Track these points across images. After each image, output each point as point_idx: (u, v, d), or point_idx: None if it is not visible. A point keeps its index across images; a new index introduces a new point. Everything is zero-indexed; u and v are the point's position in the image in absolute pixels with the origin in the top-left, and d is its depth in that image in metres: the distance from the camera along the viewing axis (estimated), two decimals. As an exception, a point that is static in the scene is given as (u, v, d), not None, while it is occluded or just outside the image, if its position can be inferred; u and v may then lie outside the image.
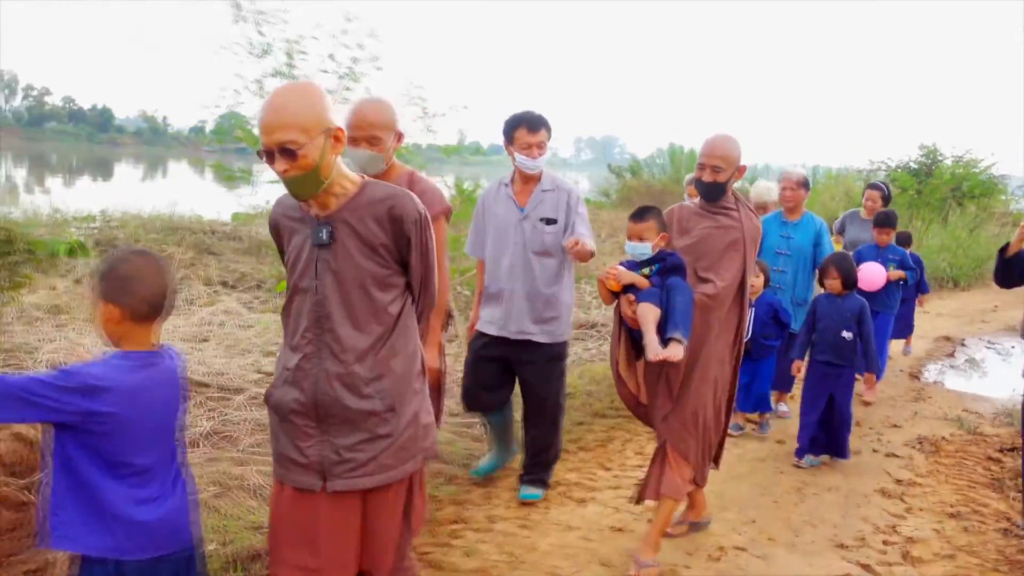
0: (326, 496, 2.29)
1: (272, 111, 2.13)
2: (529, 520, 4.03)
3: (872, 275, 6.14)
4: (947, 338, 9.55)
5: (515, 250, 4.08)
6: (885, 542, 4.04)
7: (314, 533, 2.29)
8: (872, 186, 7.24)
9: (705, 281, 3.58)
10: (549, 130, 4.10)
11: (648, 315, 3.37)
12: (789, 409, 5.98)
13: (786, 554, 3.87)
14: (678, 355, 3.29)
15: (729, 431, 4.96)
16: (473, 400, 4.35)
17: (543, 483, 4.32)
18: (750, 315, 5.01)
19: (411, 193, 2.32)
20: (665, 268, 3.49)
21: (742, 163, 3.65)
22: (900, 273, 6.49)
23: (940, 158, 19.45)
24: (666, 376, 3.57)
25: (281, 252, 2.45)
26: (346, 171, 2.30)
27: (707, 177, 3.62)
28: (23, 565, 3.23)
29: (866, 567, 3.76)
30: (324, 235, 2.26)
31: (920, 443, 5.60)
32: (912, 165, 19.57)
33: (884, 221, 6.56)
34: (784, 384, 5.95)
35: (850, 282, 5.08)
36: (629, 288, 3.50)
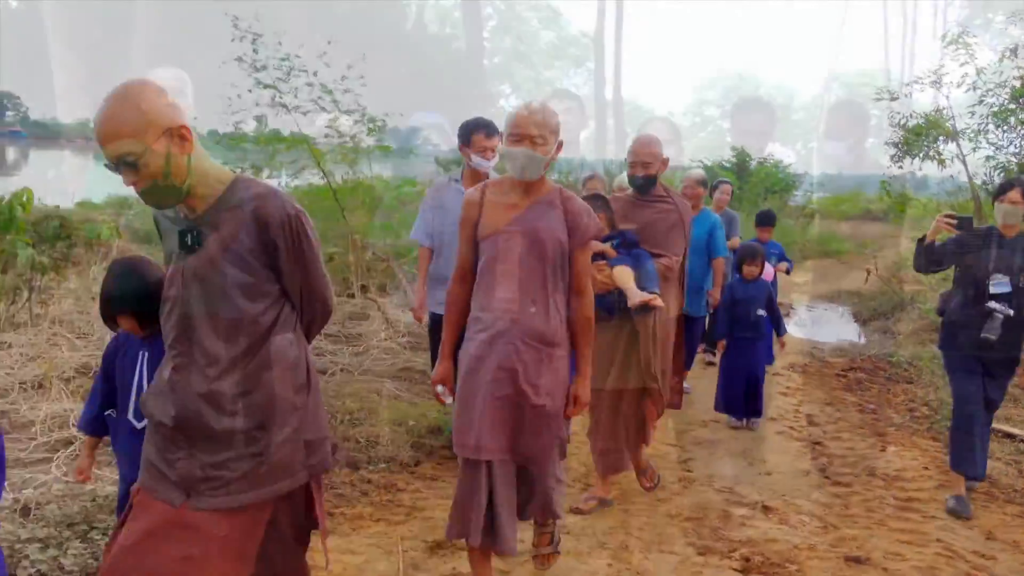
0: (189, 513, 2.08)
1: (102, 122, 1.93)
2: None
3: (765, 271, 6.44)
4: (781, 303, 12.32)
5: None
6: (794, 417, 6.34)
7: (166, 552, 2.06)
8: (722, 181, 8.01)
9: (659, 256, 4.06)
10: (501, 136, 4.22)
11: (626, 274, 3.81)
12: (690, 386, 6.51)
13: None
14: (660, 302, 3.78)
15: None
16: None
17: None
18: None
19: (280, 192, 2.14)
20: (625, 242, 3.97)
21: (664, 156, 4.17)
22: (784, 265, 7.47)
23: (749, 159, 22.76)
24: (628, 342, 3.99)
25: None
26: (214, 169, 2.11)
27: (640, 172, 4.12)
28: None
29: (790, 428, 6.03)
30: (189, 240, 2.08)
31: (792, 368, 8.07)
32: (725, 164, 22.75)
33: (767, 221, 7.48)
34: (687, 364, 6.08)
35: (762, 269, 5.93)
36: (596, 259, 3.80)
